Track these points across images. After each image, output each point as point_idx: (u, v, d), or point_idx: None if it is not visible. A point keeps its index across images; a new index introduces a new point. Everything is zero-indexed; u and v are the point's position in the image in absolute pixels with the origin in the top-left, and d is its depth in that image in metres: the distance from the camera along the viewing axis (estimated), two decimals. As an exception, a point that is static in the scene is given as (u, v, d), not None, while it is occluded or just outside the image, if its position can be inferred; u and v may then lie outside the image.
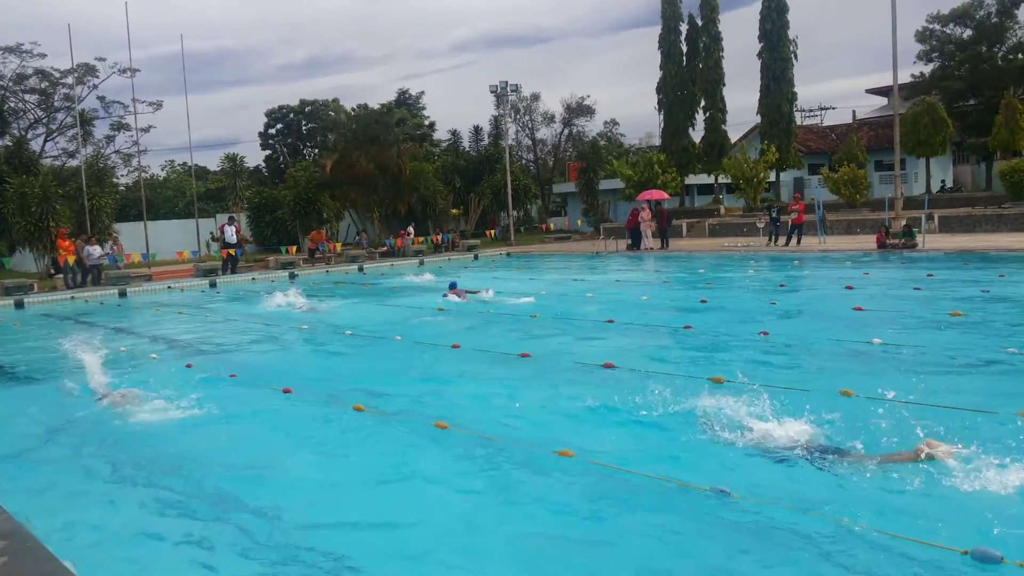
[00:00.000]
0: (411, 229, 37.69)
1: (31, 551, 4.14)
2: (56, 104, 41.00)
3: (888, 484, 5.25)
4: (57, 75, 39.57)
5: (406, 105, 57.02)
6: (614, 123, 62.68)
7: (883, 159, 43.40)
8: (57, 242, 26.24)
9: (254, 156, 60.74)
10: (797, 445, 6.08)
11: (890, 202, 27.92)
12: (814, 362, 9.45)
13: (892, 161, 29.55)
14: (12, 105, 40.11)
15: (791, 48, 39.37)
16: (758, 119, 41.59)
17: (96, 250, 25.74)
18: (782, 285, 17.26)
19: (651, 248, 30.41)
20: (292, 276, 26.98)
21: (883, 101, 53.34)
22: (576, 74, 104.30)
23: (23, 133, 40.51)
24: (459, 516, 5.35)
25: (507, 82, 42.18)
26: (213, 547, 4.96)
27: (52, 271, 27.33)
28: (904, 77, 34.52)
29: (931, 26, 40.36)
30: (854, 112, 51.14)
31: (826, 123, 56.39)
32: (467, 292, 17.45)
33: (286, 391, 8.98)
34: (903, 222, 24.92)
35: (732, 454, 6.12)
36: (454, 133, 58.15)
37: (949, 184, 45.07)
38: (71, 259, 24.89)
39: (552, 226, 45.51)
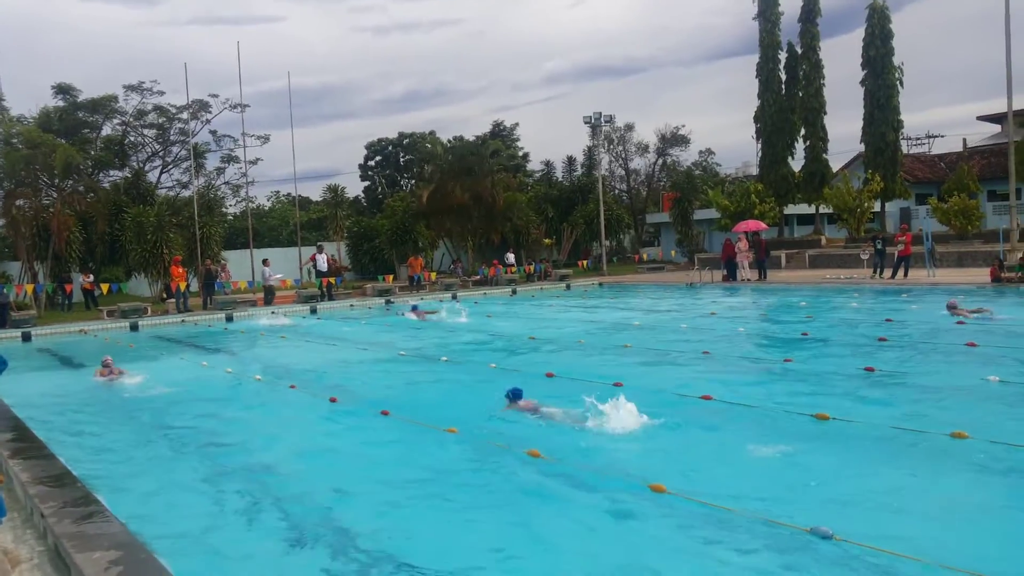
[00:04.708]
0: (511, 258, 38.05)
1: (144, 563, 4.32)
2: (172, 138, 43.30)
3: None
4: (173, 111, 41.86)
5: (500, 136, 57.89)
6: (709, 152, 62.01)
7: (996, 189, 41.36)
8: (170, 269, 27.63)
9: (354, 187, 62.61)
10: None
11: (1005, 234, 26.51)
12: (924, 399, 9.02)
13: (1007, 191, 28.10)
14: (132, 139, 42.65)
15: (896, 75, 37.95)
16: (860, 147, 40.30)
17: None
18: (889, 319, 16.58)
19: (748, 279, 29.74)
20: (388, 303, 27.54)
21: (996, 128, 50.95)
22: (670, 104, 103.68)
23: (141, 165, 42.99)
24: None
25: (600, 113, 42.26)
26: None
27: (164, 295, 28.74)
28: (1020, 103, 32.81)
29: (1049, 49, 38.45)
30: (964, 140, 49.04)
31: (934, 151, 54.17)
32: (426, 312, 21.31)
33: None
34: (1019, 255, 23.64)
35: (834, 491, 5.90)
36: (547, 163, 58.70)
37: (1070, 215, 42.57)
38: (183, 285, 26.19)
39: (645, 256, 45.04)
